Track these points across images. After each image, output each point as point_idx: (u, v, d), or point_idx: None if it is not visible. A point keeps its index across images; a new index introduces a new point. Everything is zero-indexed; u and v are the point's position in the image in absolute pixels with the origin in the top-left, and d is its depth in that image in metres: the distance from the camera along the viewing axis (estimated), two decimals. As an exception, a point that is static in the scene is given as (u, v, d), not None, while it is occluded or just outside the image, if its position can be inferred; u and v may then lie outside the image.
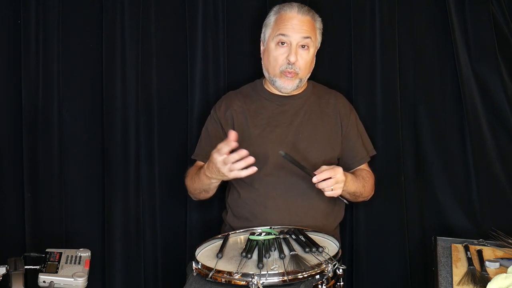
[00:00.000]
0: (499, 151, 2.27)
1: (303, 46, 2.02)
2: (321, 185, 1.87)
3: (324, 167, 1.90)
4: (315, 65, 2.13)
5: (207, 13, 2.33)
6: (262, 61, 2.12)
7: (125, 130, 2.32)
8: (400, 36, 2.31)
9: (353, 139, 2.14)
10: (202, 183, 1.97)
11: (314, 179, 1.86)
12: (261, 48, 2.13)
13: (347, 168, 2.14)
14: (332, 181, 1.86)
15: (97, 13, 2.28)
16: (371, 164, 2.20)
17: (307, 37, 2.01)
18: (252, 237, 1.82)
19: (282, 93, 2.11)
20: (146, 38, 2.33)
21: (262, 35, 2.12)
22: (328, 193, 1.89)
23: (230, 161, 1.78)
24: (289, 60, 2.00)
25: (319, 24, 2.09)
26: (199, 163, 2.13)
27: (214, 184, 1.97)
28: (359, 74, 2.33)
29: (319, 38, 2.09)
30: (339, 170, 1.89)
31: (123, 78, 2.30)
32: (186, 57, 2.35)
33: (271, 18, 2.07)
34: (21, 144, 2.26)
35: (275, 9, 2.08)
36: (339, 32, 2.35)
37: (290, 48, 2.01)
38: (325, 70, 2.32)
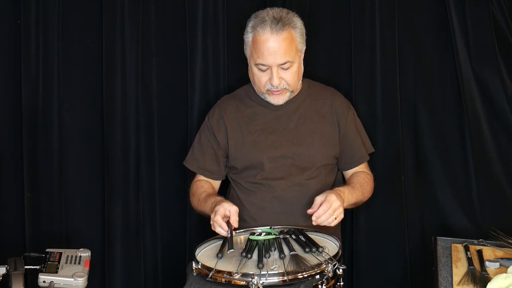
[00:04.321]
0: (499, 151, 2.27)
1: (284, 68, 1.96)
2: (320, 221, 1.81)
3: (317, 199, 1.85)
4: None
5: (207, 13, 2.32)
6: (248, 73, 2.06)
7: (125, 130, 2.32)
8: (400, 36, 2.30)
9: (352, 138, 2.12)
10: (207, 211, 1.97)
11: (313, 218, 1.81)
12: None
13: (346, 168, 2.14)
14: (330, 212, 1.81)
15: (97, 13, 2.28)
16: (370, 164, 2.20)
17: (286, 62, 1.94)
18: (252, 237, 1.82)
19: None
20: (146, 38, 2.33)
21: (244, 46, 2.04)
22: (333, 224, 1.83)
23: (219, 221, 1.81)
24: (272, 84, 1.96)
25: (298, 32, 1.97)
26: (200, 177, 2.13)
27: None
28: (359, 74, 2.33)
29: (300, 46, 1.99)
30: (332, 198, 1.82)
31: (123, 78, 2.30)
32: (186, 57, 2.35)
33: (249, 36, 1.98)
34: (21, 144, 2.26)
35: (250, 24, 1.98)
36: (339, 32, 2.34)
37: (271, 72, 1.95)
38: (325, 70, 2.32)
